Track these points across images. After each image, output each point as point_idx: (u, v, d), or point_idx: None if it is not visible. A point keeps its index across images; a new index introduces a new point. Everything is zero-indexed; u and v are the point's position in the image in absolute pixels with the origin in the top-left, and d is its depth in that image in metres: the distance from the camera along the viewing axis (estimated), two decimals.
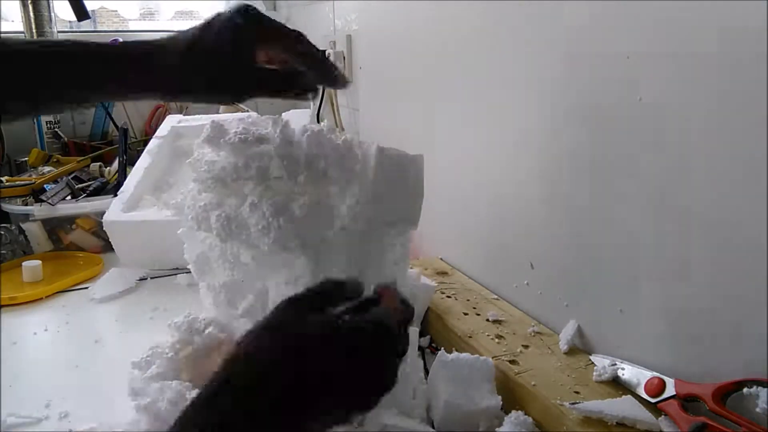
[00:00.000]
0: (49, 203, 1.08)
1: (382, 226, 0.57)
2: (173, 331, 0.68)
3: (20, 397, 0.67)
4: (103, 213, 1.03)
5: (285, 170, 0.59)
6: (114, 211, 1.02)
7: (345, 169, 0.59)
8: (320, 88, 0.57)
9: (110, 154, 1.46)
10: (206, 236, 0.68)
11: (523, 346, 0.68)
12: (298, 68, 0.56)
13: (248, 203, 0.59)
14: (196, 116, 1.27)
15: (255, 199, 0.59)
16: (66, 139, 1.56)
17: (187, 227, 0.68)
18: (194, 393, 0.51)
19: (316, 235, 0.58)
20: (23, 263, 0.99)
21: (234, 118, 0.67)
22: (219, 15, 0.54)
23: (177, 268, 1.01)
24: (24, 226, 1.08)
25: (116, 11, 1.91)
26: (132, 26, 1.96)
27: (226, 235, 0.61)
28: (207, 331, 0.67)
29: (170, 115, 1.27)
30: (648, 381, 0.57)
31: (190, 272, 0.73)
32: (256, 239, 0.59)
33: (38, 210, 1.07)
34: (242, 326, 0.67)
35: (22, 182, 1.17)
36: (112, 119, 1.62)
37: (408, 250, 0.62)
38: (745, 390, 0.49)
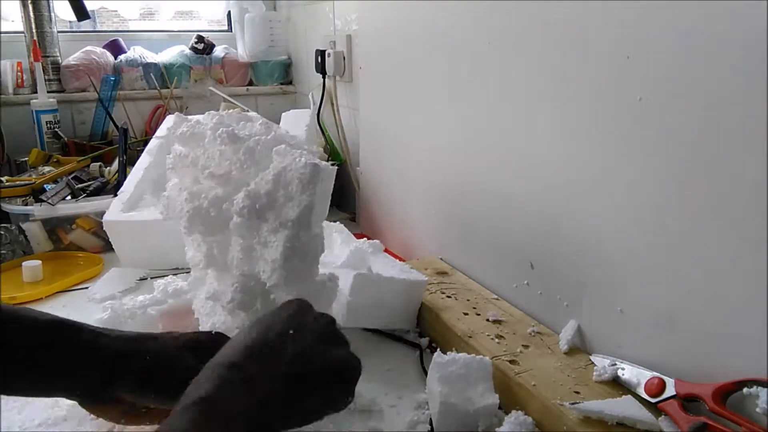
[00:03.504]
0: (49, 203, 1.08)
1: (263, 222, 0.62)
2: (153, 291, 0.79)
3: (20, 397, 0.67)
4: (103, 213, 1.03)
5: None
6: (114, 211, 1.02)
7: (246, 172, 0.66)
8: None
9: (110, 154, 1.46)
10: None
11: (523, 346, 0.68)
12: None
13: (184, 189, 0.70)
14: (197, 116, 1.27)
15: (187, 186, 0.69)
16: (66, 139, 1.56)
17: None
18: None
19: (219, 225, 0.66)
20: (23, 263, 0.99)
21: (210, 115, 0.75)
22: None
23: (177, 268, 1.01)
24: (24, 226, 1.08)
25: (116, 11, 1.91)
26: (132, 26, 1.96)
27: (167, 213, 0.71)
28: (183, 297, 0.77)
29: (170, 115, 1.27)
30: (648, 381, 0.57)
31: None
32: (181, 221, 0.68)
33: (38, 210, 1.07)
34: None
35: (22, 182, 1.17)
36: (112, 119, 1.62)
37: (298, 249, 0.61)
38: (745, 390, 0.49)
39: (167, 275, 1.00)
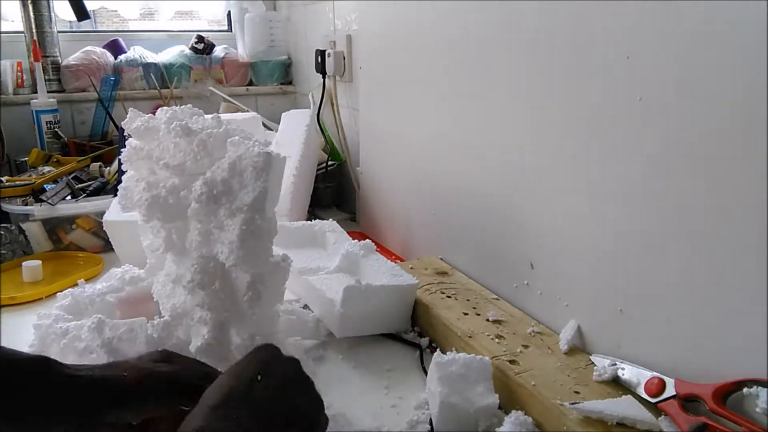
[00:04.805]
0: (49, 203, 1.08)
1: (220, 207, 0.65)
2: (109, 279, 0.82)
3: None
4: (103, 213, 1.03)
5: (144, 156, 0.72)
6: (114, 211, 1.02)
7: (200, 163, 0.69)
8: None
9: (110, 154, 1.46)
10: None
11: (523, 346, 0.68)
12: None
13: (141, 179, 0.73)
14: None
15: (144, 176, 0.73)
16: (66, 139, 1.56)
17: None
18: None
19: (177, 212, 0.69)
20: (23, 263, 0.99)
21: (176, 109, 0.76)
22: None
23: None
24: (24, 226, 1.07)
25: (116, 11, 1.91)
26: (132, 26, 1.96)
27: (125, 203, 0.74)
28: (139, 284, 0.80)
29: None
30: (648, 381, 0.57)
31: None
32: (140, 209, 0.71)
33: (38, 210, 1.07)
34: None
35: (22, 182, 1.17)
36: (112, 119, 1.62)
37: (254, 231, 0.65)
38: (745, 390, 0.49)
39: None
